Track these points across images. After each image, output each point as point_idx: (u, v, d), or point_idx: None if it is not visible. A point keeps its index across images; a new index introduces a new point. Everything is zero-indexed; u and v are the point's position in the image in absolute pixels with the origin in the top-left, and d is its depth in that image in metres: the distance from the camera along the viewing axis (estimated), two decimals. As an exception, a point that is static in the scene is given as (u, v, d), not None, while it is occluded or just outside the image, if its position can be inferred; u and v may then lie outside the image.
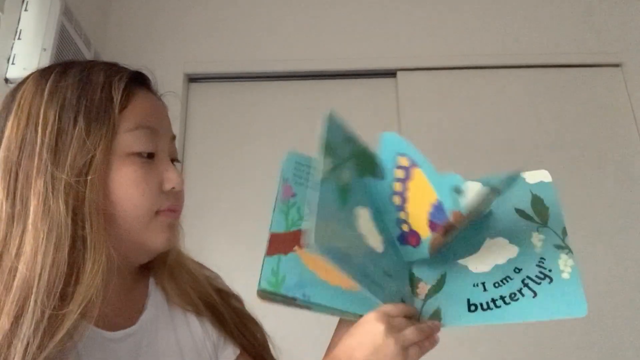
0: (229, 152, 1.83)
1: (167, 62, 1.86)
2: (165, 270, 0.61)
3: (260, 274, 0.54)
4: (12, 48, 1.31)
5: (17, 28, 1.33)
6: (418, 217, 0.57)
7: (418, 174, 0.57)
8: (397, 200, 0.60)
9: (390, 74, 1.90)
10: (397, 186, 0.60)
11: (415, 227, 0.58)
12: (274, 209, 0.59)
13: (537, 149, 1.77)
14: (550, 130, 1.80)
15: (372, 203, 0.59)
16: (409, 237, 0.59)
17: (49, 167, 0.48)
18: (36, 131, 0.49)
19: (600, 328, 1.56)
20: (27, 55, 1.30)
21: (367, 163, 0.61)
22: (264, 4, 1.99)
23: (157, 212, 0.54)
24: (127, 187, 0.51)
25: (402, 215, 0.59)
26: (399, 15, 1.96)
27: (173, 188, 0.55)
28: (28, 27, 1.34)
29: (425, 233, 0.57)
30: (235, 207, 1.74)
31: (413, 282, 0.58)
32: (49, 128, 0.49)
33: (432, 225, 0.56)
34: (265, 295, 0.54)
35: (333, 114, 0.57)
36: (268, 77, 1.92)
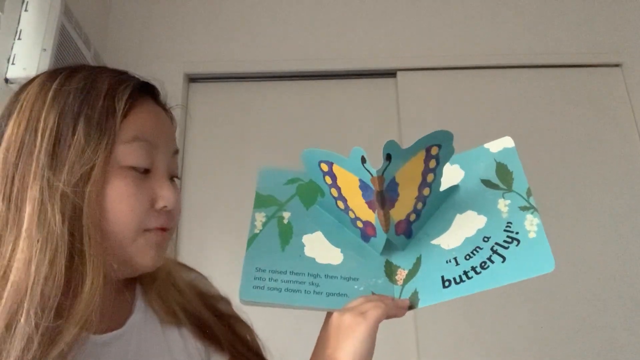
0: (228, 152, 1.83)
1: (167, 62, 1.86)
2: (153, 288, 0.60)
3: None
4: (12, 48, 1.31)
5: (17, 28, 1.33)
6: (359, 206, 0.58)
7: (337, 170, 0.58)
8: (340, 204, 0.61)
9: (390, 74, 1.90)
10: (334, 192, 0.60)
11: (364, 218, 0.59)
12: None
13: (536, 149, 1.77)
14: (550, 130, 1.80)
15: (325, 223, 0.63)
16: (367, 230, 0.60)
17: (45, 173, 0.46)
18: (35, 135, 0.48)
19: (602, 327, 1.56)
20: (27, 55, 1.30)
21: (312, 192, 0.64)
22: (264, 3, 1.99)
23: (146, 230, 0.51)
24: (117, 201, 0.49)
25: (351, 214, 0.60)
26: (399, 15, 1.96)
27: (165, 207, 0.53)
28: (28, 27, 1.33)
29: (372, 217, 0.57)
30: (235, 207, 1.73)
31: (392, 271, 0.59)
32: (48, 132, 0.48)
33: (370, 205, 0.56)
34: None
35: (264, 169, 0.65)
36: (268, 77, 1.92)
